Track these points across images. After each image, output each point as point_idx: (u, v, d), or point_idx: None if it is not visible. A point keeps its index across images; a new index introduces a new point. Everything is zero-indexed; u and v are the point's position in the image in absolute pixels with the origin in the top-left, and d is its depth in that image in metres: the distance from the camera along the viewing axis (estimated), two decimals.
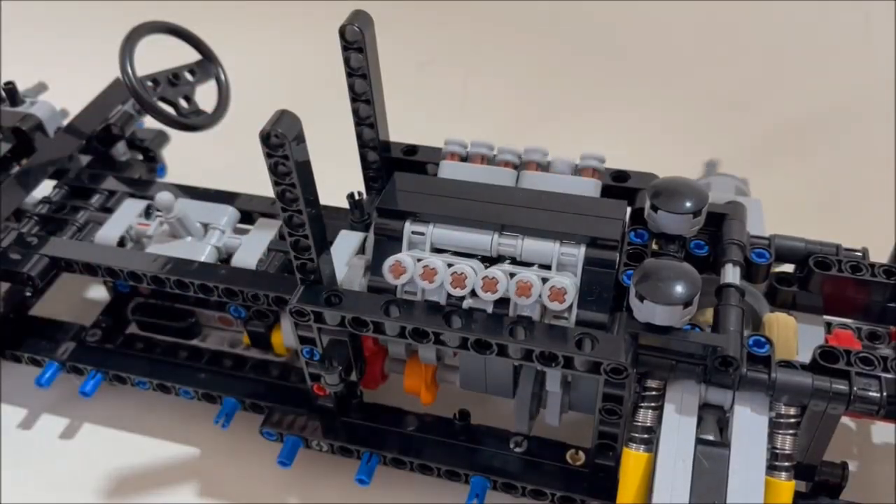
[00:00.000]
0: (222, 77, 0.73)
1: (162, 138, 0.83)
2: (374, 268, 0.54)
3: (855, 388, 0.47)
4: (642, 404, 0.50)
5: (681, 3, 1.14)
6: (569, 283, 0.50)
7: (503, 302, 0.51)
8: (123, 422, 0.68)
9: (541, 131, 0.96)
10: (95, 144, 0.77)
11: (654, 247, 0.54)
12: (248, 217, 0.68)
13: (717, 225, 0.56)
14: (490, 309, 0.51)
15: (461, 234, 0.53)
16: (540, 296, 0.50)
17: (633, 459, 0.49)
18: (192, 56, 0.72)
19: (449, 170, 0.59)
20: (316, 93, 0.89)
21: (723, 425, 0.51)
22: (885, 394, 0.47)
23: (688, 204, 0.52)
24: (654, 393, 0.50)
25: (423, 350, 0.57)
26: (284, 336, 0.64)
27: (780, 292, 0.58)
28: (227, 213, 0.67)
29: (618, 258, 0.52)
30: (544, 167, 0.58)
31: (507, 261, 0.53)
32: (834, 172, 0.88)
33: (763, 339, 0.49)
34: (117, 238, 0.66)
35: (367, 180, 0.63)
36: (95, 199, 0.72)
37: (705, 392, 0.50)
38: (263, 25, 1.18)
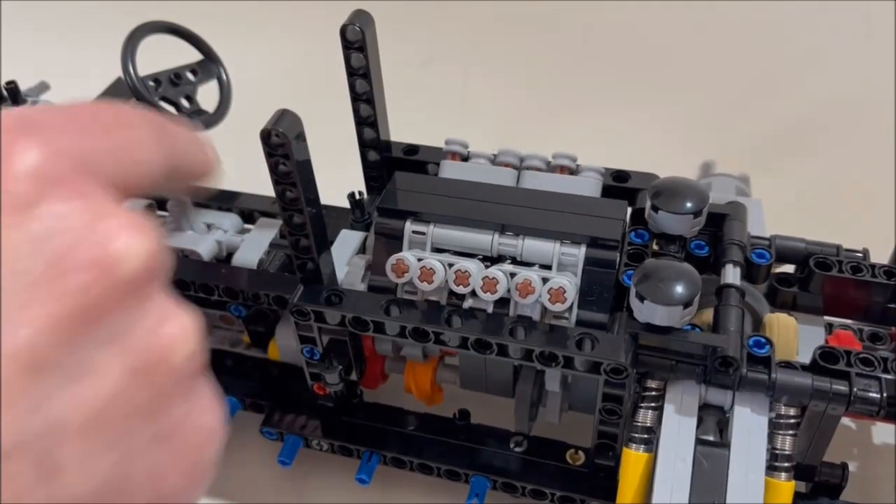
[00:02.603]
0: (224, 77, 0.73)
1: None
2: (374, 267, 0.54)
3: (855, 389, 0.47)
4: (642, 404, 0.50)
5: (681, 4, 1.14)
6: (569, 283, 0.50)
7: (503, 302, 0.51)
8: None
9: (540, 131, 0.96)
10: None
11: (655, 247, 0.54)
12: (248, 217, 0.68)
13: (718, 225, 0.56)
14: (490, 309, 0.51)
15: (462, 233, 0.53)
16: (540, 296, 0.50)
17: (632, 459, 0.49)
18: (194, 56, 0.72)
19: (449, 170, 0.59)
20: (317, 92, 0.89)
21: (723, 426, 0.50)
22: (884, 394, 0.47)
23: (688, 204, 0.53)
24: (653, 393, 0.50)
25: (409, 348, 0.57)
26: (279, 343, 0.63)
27: (780, 293, 0.58)
28: (231, 219, 0.66)
29: (618, 258, 0.52)
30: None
31: (508, 261, 0.53)
32: (834, 172, 0.88)
33: (763, 340, 0.49)
34: None
35: (368, 180, 0.63)
36: None
37: (705, 392, 0.50)
38: (264, 25, 1.18)
